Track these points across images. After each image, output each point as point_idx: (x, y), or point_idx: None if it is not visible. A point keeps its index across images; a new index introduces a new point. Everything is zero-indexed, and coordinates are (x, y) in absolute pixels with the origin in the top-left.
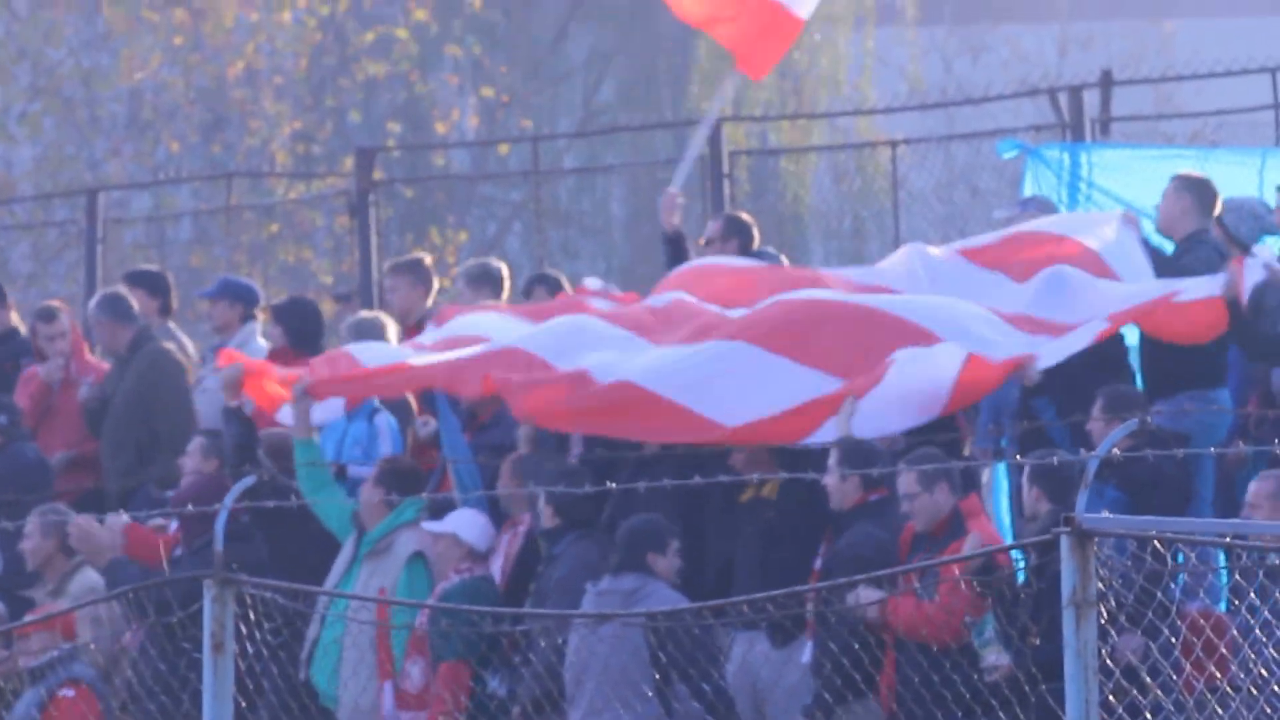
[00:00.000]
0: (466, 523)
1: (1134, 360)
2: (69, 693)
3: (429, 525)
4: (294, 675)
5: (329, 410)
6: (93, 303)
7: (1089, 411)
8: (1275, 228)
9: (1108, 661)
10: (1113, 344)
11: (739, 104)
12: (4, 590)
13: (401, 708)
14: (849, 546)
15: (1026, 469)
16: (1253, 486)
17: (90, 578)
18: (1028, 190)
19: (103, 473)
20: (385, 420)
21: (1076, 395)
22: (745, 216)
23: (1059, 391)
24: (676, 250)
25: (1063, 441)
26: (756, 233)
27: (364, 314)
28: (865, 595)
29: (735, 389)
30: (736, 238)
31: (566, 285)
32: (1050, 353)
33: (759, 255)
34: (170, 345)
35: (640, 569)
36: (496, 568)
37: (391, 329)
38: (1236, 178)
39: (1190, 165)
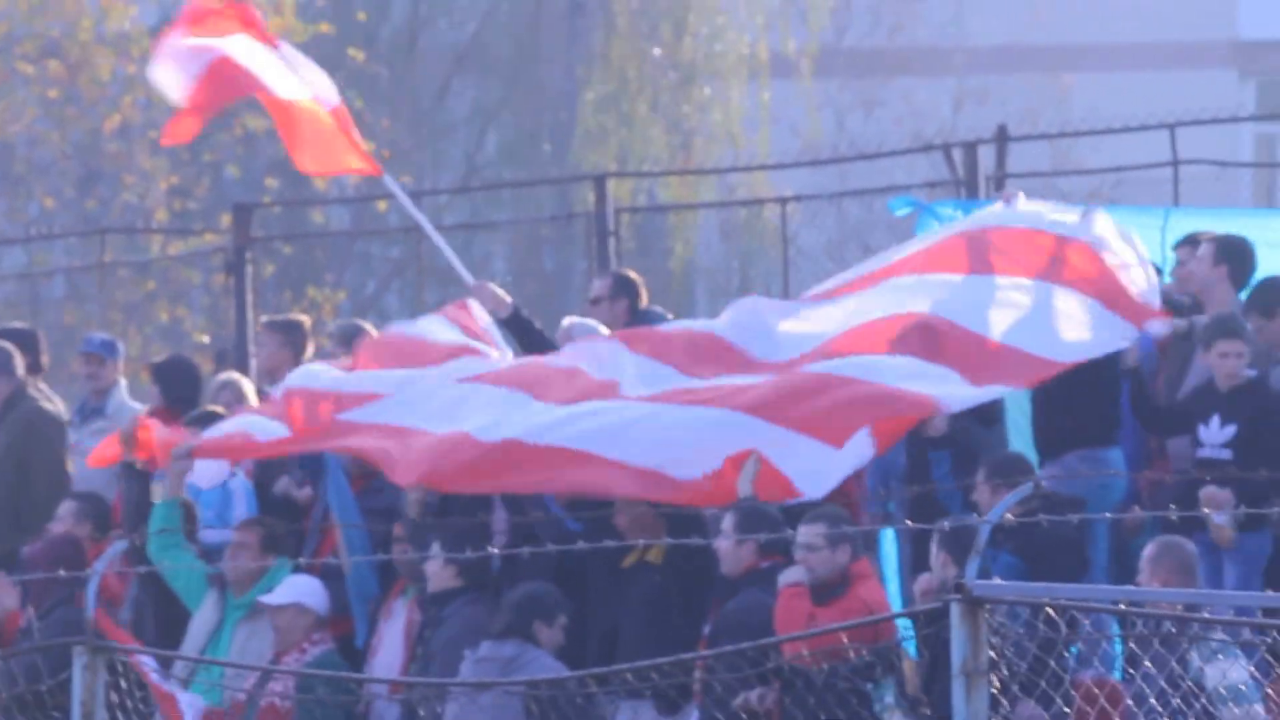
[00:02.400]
0: (309, 590)
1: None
2: None
3: (267, 599)
4: None
5: (211, 474)
6: None
7: (977, 465)
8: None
9: None
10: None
11: (625, 159)
12: None
13: None
14: (737, 613)
15: (935, 534)
16: (1146, 551)
17: None
18: None
19: None
20: (240, 484)
21: (968, 448)
22: (633, 275)
23: (955, 446)
24: (520, 327)
25: (954, 505)
26: (644, 291)
27: (223, 375)
28: (754, 699)
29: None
30: (625, 297)
31: None
32: (959, 400)
33: (646, 315)
34: (45, 403)
35: (524, 636)
36: (398, 632)
37: (250, 390)
38: (1139, 237)
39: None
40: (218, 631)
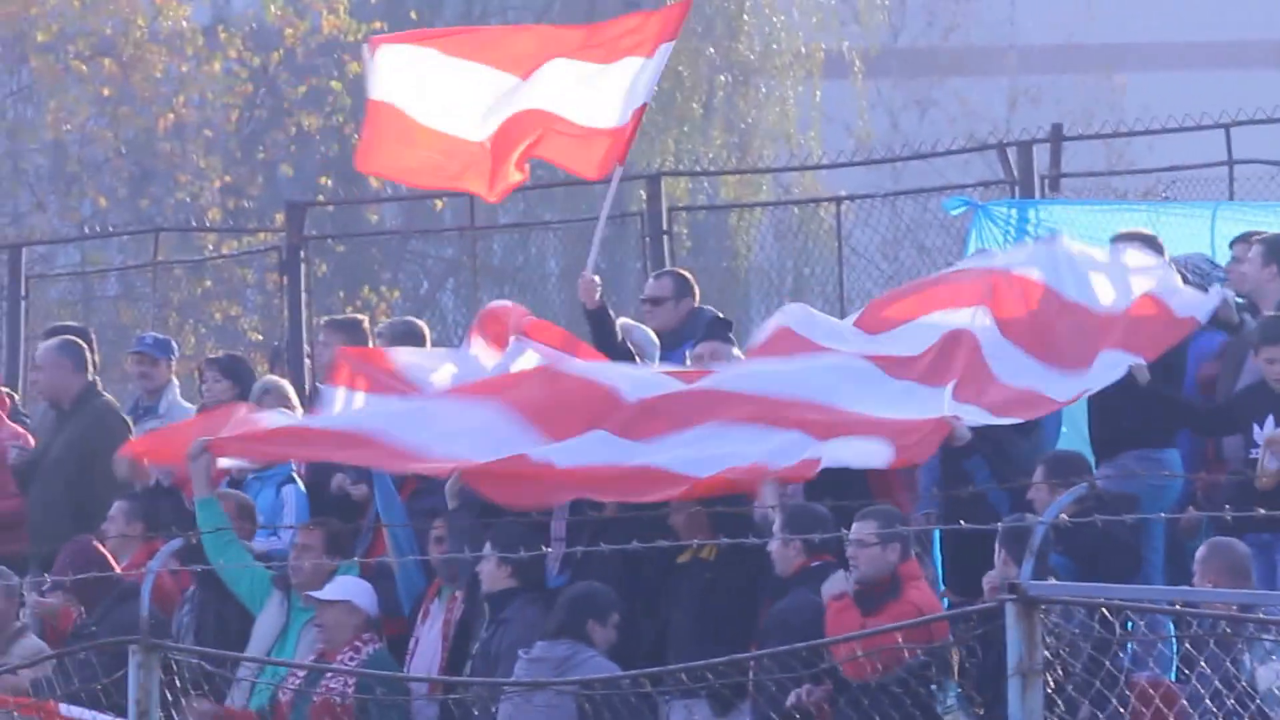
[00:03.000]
0: (358, 590)
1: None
2: None
3: (319, 593)
4: None
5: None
6: (50, 344)
7: (1018, 471)
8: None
9: None
10: None
11: (681, 158)
12: None
13: None
14: (785, 613)
15: (1000, 533)
16: (1199, 553)
17: (34, 642)
18: (972, 248)
19: (29, 532)
20: (293, 491)
21: (1006, 456)
22: (687, 274)
23: (990, 452)
24: (600, 325)
25: (1001, 506)
26: (696, 290)
27: (266, 379)
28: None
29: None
30: (689, 297)
31: None
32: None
33: (699, 313)
34: (117, 403)
35: (577, 636)
36: (436, 633)
37: (292, 394)
38: (1188, 232)
39: (1141, 221)
40: (283, 635)
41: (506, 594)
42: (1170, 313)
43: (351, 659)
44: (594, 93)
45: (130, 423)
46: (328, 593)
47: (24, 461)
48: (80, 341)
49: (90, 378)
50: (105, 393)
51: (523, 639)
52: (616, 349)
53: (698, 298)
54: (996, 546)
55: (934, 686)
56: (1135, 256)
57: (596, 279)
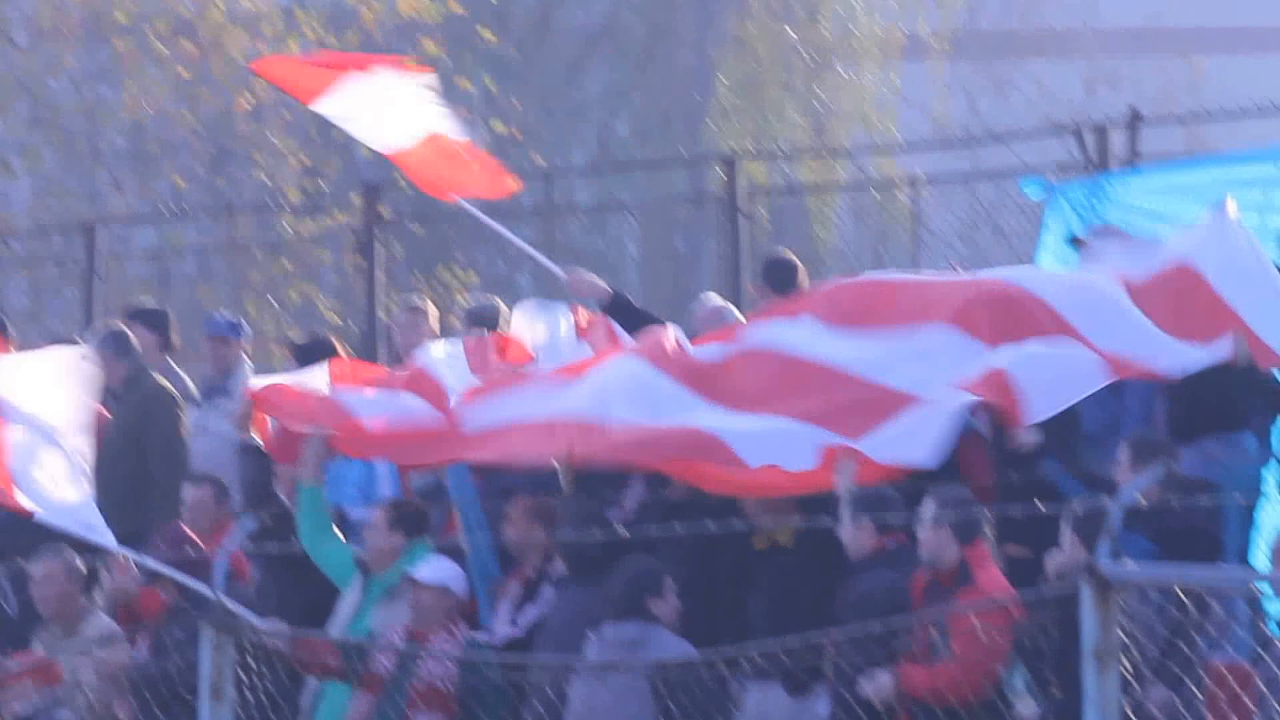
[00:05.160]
0: (455, 575)
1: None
2: None
3: (417, 573)
4: None
5: None
6: (95, 339)
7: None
8: None
9: (1130, 714)
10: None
11: (758, 140)
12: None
13: None
14: (859, 593)
15: (1070, 515)
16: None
17: (103, 621)
18: (1048, 232)
19: None
20: (386, 464)
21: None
22: (786, 257)
23: (1061, 452)
24: (624, 311)
25: (1076, 493)
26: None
27: (481, 299)
28: (876, 686)
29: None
30: (765, 282)
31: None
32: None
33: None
34: (166, 383)
35: (640, 615)
36: (505, 615)
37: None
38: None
39: (1218, 181)
40: (360, 612)
41: (566, 578)
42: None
43: (449, 642)
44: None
45: (180, 401)
46: (426, 574)
47: None
48: (121, 328)
49: (137, 361)
50: (172, 371)
51: (567, 623)
52: (652, 323)
53: (797, 277)
54: (1064, 528)
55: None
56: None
57: (584, 273)
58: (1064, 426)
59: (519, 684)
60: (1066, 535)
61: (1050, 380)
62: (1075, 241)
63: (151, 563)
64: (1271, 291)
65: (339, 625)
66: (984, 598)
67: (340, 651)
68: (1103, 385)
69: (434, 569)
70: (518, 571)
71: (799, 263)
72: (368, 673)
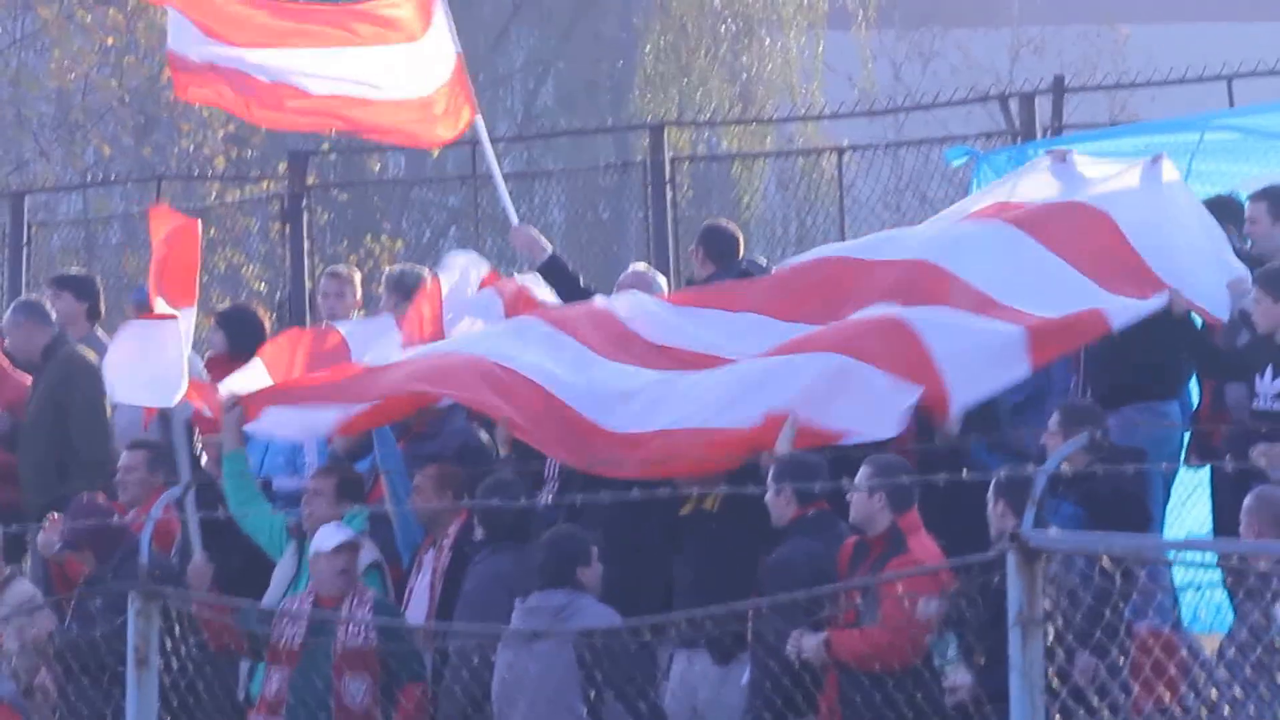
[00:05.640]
0: (349, 538)
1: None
2: None
3: (320, 546)
4: (223, 690)
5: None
6: (7, 310)
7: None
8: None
9: (1054, 682)
10: None
11: (683, 108)
12: None
13: None
14: (781, 562)
15: (993, 482)
16: (1245, 503)
17: (25, 588)
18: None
19: (22, 487)
20: None
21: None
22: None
23: (985, 429)
24: (558, 275)
25: (992, 463)
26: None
27: (404, 266)
28: (806, 643)
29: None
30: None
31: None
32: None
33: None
34: (86, 350)
35: (567, 583)
36: (425, 584)
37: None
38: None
39: (1139, 149)
40: (294, 582)
41: (479, 544)
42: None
43: (360, 606)
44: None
45: (100, 369)
46: (321, 543)
47: (6, 427)
48: (37, 299)
49: (55, 330)
50: (99, 338)
51: (483, 588)
52: (581, 295)
53: (738, 249)
54: (992, 496)
55: (929, 637)
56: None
57: (530, 229)
58: (985, 405)
59: (442, 650)
60: (992, 503)
61: (975, 367)
62: None
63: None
64: (1200, 249)
65: (274, 595)
66: (917, 563)
67: (242, 627)
68: (1026, 373)
69: (327, 534)
70: (429, 540)
71: (739, 234)
72: (275, 644)
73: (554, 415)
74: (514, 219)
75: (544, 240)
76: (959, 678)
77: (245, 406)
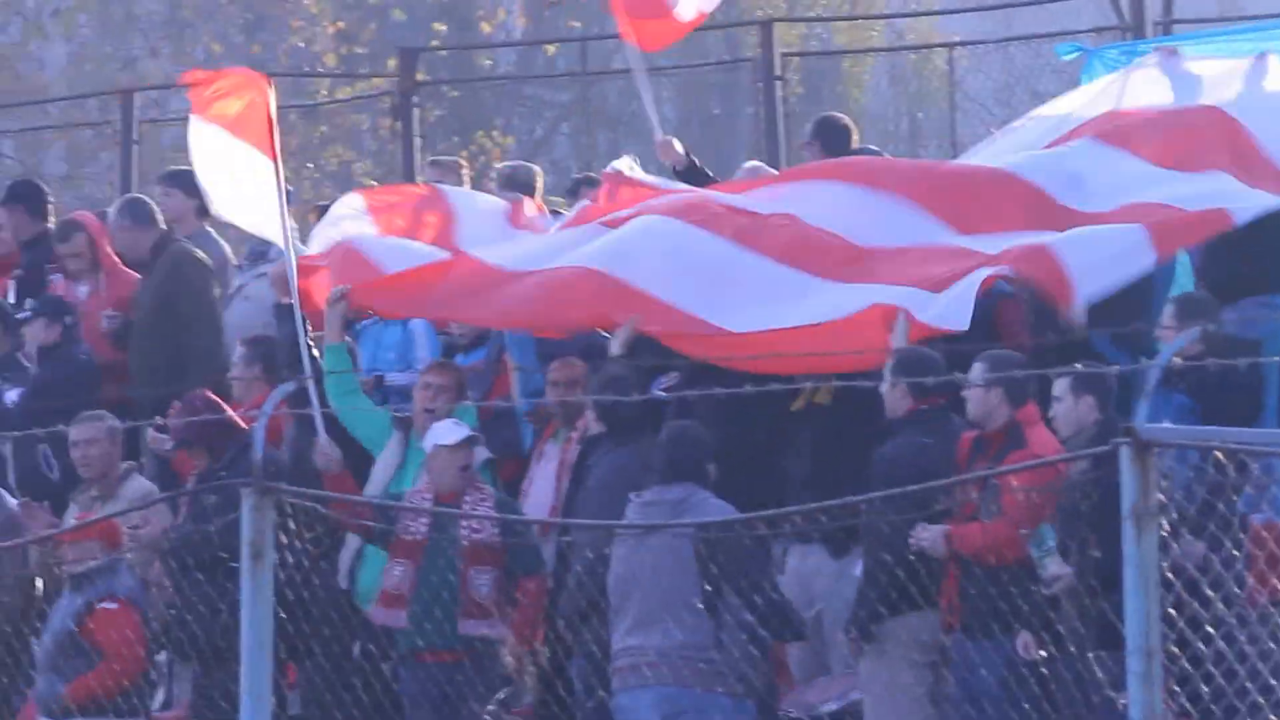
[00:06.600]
0: (466, 434)
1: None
2: (111, 605)
3: (440, 439)
4: (335, 585)
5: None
6: (112, 210)
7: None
8: None
9: (1168, 574)
10: None
11: (793, 5)
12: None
13: (467, 616)
14: (891, 456)
15: (1070, 378)
16: None
17: (142, 484)
18: None
19: (133, 383)
20: (421, 324)
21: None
22: (837, 118)
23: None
24: (696, 180)
25: (1115, 356)
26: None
27: (516, 163)
28: (926, 535)
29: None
30: (819, 140)
31: None
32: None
33: (860, 152)
34: (194, 248)
35: (686, 478)
36: (549, 472)
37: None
38: None
39: (1257, 47)
40: (400, 472)
41: (596, 439)
42: None
43: (482, 501)
44: None
45: (209, 265)
46: (440, 437)
47: (117, 325)
48: (140, 198)
49: (161, 227)
50: (209, 235)
51: (606, 483)
52: None
53: (851, 141)
54: (1070, 393)
55: (1024, 531)
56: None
57: (673, 140)
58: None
59: (561, 546)
60: (1074, 399)
61: (1098, 258)
62: None
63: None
64: None
65: (376, 485)
66: (1035, 458)
67: (375, 515)
68: (1152, 264)
69: (447, 429)
70: (547, 431)
71: (852, 126)
72: (401, 538)
73: (668, 316)
74: (658, 132)
75: (682, 148)
76: (1056, 568)
77: (350, 299)
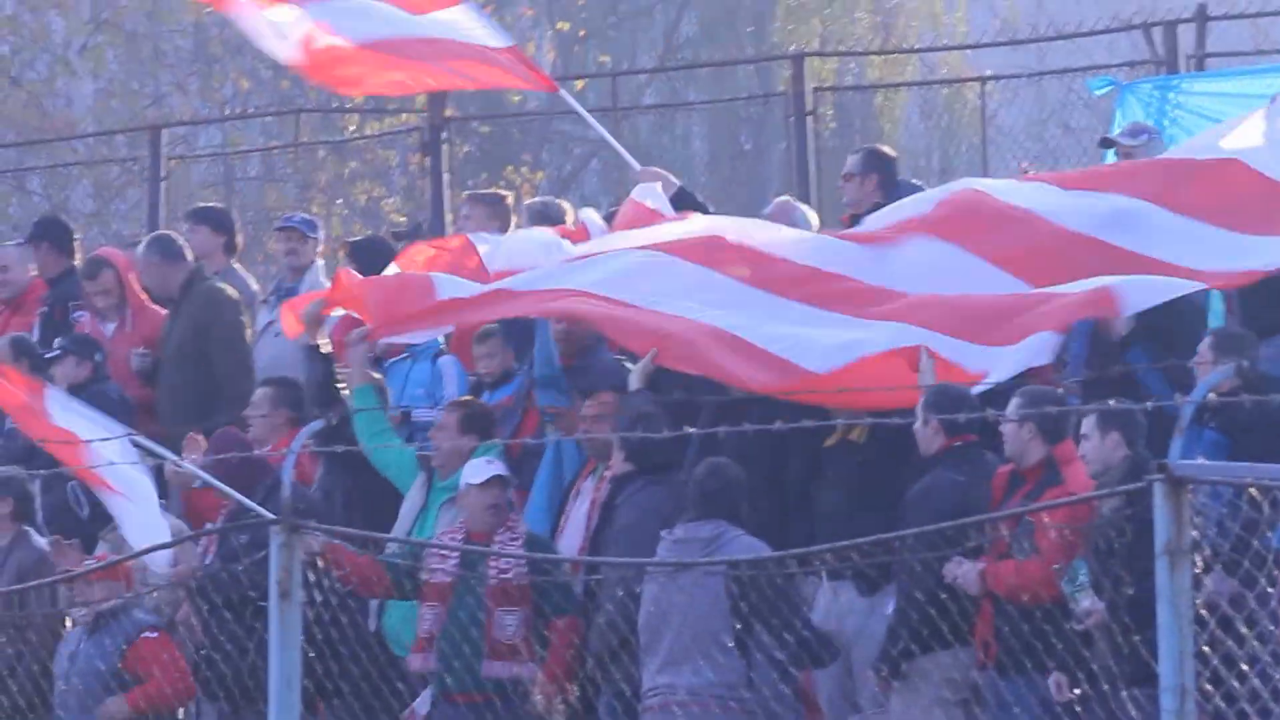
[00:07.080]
0: (500, 472)
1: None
2: (152, 634)
3: (468, 478)
4: (363, 624)
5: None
6: (140, 246)
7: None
8: None
9: (1202, 611)
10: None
11: (825, 38)
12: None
13: (493, 658)
14: (924, 493)
15: (1097, 414)
16: None
17: (171, 522)
18: (1117, 129)
19: (162, 421)
20: (450, 361)
21: (1170, 344)
22: (886, 150)
23: (1149, 341)
24: (687, 206)
25: (1158, 388)
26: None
27: (546, 199)
28: (961, 572)
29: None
30: (875, 172)
31: None
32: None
33: (901, 187)
34: (225, 285)
35: (721, 514)
36: (582, 512)
37: (570, 215)
38: None
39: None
40: (422, 514)
41: (626, 477)
42: None
43: (512, 540)
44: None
45: (240, 302)
46: (472, 475)
47: (147, 364)
48: (168, 235)
49: (191, 263)
50: (236, 272)
51: (639, 522)
52: None
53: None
54: (1098, 429)
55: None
56: None
57: (654, 169)
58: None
59: (589, 584)
60: (1101, 435)
61: (1145, 280)
62: (1106, 142)
63: (210, 479)
64: None
65: (401, 528)
66: (1069, 495)
67: (389, 572)
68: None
69: (480, 468)
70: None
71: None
72: (428, 583)
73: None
74: (633, 163)
75: (670, 177)
76: (1089, 603)
77: (371, 338)
